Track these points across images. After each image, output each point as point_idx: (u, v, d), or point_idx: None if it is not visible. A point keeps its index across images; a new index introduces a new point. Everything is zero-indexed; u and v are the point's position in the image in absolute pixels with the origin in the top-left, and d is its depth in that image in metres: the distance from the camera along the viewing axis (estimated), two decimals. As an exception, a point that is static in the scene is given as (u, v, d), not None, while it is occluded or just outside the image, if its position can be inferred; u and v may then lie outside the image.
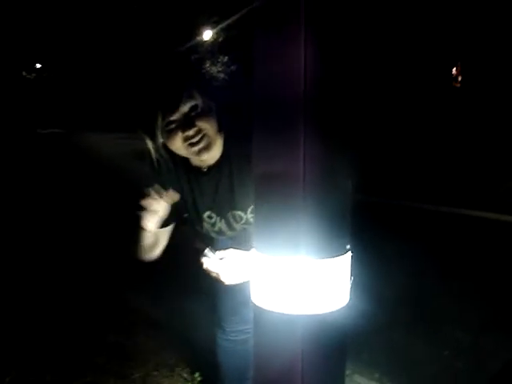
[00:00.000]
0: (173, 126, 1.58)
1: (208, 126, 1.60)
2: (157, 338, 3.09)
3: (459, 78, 18.35)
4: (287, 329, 0.98)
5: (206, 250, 1.67)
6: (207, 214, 1.82)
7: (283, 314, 0.97)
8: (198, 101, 1.58)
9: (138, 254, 1.81)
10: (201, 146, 1.60)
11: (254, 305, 1.03)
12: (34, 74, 21.28)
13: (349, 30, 0.97)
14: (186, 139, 1.58)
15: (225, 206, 1.79)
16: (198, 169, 1.76)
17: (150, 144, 1.64)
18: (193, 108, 1.58)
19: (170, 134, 1.59)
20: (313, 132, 0.93)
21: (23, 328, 3.16)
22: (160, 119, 1.57)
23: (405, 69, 16.16)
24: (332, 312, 0.98)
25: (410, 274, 3.94)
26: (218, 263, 1.67)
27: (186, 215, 1.86)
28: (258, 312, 1.03)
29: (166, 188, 1.75)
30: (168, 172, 1.75)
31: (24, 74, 19.65)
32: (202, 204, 1.81)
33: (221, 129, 1.68)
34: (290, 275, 0.96)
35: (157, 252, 1.83)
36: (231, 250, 1.69)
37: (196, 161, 1.74)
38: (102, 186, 7.73)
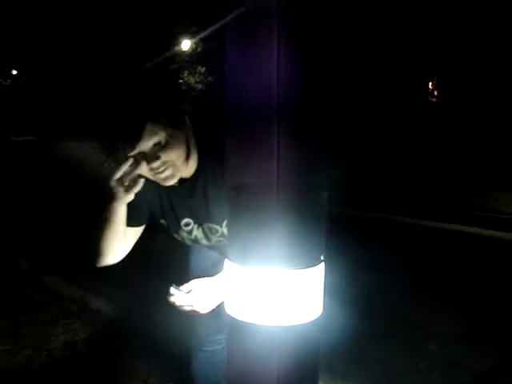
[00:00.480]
0: (139, 155, 1.54)
1: (174, 157, 1.57)
2: (130, 347, 3.06)
3: (435, 93, 18.59)
4: (261, 340, 0.97)
5: (171, 289, 1.62)
6: (185, 221, 1.81)
7: (257, 324, 0.97)
8: (161, 136, 1.53)
9: (99, 253, 1.71)
10: (166, 174, 1.58)
11: (228, 315, 1.02)
12: (9, 81, 21.07)
13: (323, 37, 0.97)
14: (151, 169, 1.56)
15: (202, 217, 1.79)
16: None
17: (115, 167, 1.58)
18: (156, 143, 1.54)
19: (134, 163, 1.55)
20: (287, 143, 0.93)
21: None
22: (122, 150, 1.52)
23: (381, 83, 16.32)
24: (306, 323, 0.97)
25: (384, 285, 3.97)
26: (187, 297, 1.63)
27: (162, 221, 1.85)
28: (232, 323, 1.02)
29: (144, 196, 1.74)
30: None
31: (3, 80, 19.44)
32: (179, 211, 1.80)
33: (193, 150, 1.65)
34: (263, 286, 0.96)
35: (119, 256, 1.75)
36: (195, 280, 1.66)
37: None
38: (74, 191, 7.68)
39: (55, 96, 19.67)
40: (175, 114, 1.61)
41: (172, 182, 1.62)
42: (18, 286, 3.84)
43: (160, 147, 1.55)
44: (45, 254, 4.57)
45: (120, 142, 1.52)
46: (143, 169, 1.56)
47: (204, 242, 1.85)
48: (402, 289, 4.02)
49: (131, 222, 1.74)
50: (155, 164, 1.55)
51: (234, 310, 1.01)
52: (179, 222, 1.82)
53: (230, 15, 0.96)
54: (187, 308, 1.64)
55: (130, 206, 1.70)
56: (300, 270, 0.95)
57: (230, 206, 1.02)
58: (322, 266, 0.99)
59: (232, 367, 1.07)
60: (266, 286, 0.95)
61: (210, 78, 20.07)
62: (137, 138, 1.51)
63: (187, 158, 1.63)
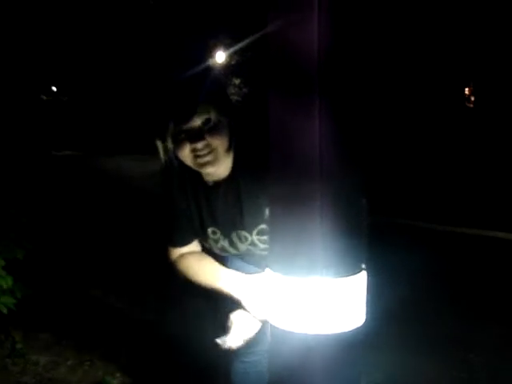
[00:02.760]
0: (182, 135, 1.58)
1: (218, 142, 1.60)
2: (170, 358, 3.08)
3: (472, 99, 18.33)
4: (304, 348, 0.98)
5: (218, 341, 1.67)
6: (211, 229, 1.82)
7: (299, 333, 0.97)
8: (211, 115, 1.58)
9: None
10: (206, 159, 1.60)
11: (270, 325, 1.03)
12: (49, 97, 21.56)
13: (365, 40, 0.98)
14: (193, 150, 1.59)
15: (229, 225, 1.78)
16: (206, 184, 1.76)
17: (160, 146, 1.65)
18: (205, 122, 1.57)
19: (178, 142, 1.59)
20: (329, 152, 0.94)
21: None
22: (172, 126, 1.56)
23: (418, 90, 16.18)
24: (349, 331, 0.98)
25: (418, 293, 3.92)
26: (238, 337, 1.68)
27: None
28: (274, 332, 1.03)
29: (175, 199, 1.77)
30: (177, 182, 1.77)
31: (44, 96, 19.92)
32: (206, 219, 1.80)
33: (232, 147, 1.67)
34: (306, 295, 0.96)
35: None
36: (234, 316, 1.70)
37: (205, 175, 1.74)
38: (118, 206, 7.81)
39: (96, 111, 20.06)
40: (225, 100, 1.66)
41: (210, 169, 1.64)
42: (60, 297, 3.91)
43: (207, 128, 1.58)
44: (86, 265, 4.66)
45: (173, 116, 1.56)
46: (185, 151, 1.59)
47: (231, 251, 1.84)
48: (439, 297, 3.96)
49: (188, 241, 1.83)
50: (199, 144, 1.57)
51: (276, 319, 1.01)
52: (206, 231, 1.83)
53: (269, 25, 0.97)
54: (241, 344, 1.69)
55: (178, 228, 1.81)
56: (342, 279, 0.96)
57: (272, 215, 1.03)
58: (363, 274, 1.00)
59: (274, 376, 1.08)
60: (308, 295, 0.96)
61: (244, 90, 20.16)
62: (192, 111, 1.55)
63: (227, 151, 1.65)
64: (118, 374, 2.88)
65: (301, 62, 0.93)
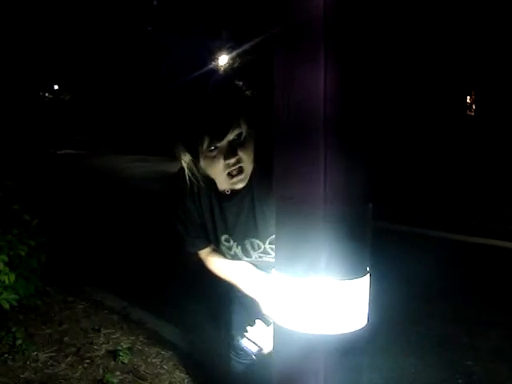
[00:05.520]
0: (215, 152, 1.58)
1: (246, 157, 1.61)
2: (170, 358, 3.10)
3: (473, 107, 18.35)
4: (307, 347, 1.00)
5: (245, 346, 1.77)
6: (225, 237, 1.84)
7: (303, 333, 1.00)
8: (243, 129, 1.58)
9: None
10: (240, 177, 1.63)
11: (275, 324, 1.06)
12: (51, 96, 21.55)
13: (368, 51, 1.00)
14: (227, 166, 1.60)
15: (243, 233, 1.80)
16: (221, 192, 1.77)
17: (186, 161, 1.66)
18: (238, 136, 1.58)
19: (211, 159, 1.60)
20: (333, 155, 0.96)
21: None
22: (206, 143, 1.56)
23: (420, 98, 16.20)
24: (351, 332, 1.00)
25: (419, 298, 3.94)
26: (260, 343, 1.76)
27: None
28: (279, 331, 1.05)
29: (187, 207, 1.80)
30: (191, 191, 1.77)
31: (46, 94, 19.90)
32: (220, 227, 1.82)
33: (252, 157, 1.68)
34: (310, 296, 0.99)
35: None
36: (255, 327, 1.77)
37: (220, 185, 1.74)
38: (119, 206, 7.83)
39: (97, 110, 20.06)
40: (253, 112, 1.66)
41: (240, 185, 1.67)
42: (60, 295, 3.93)
43: (238, 142, 1.59)
44: (87, 265, 4.68)
45: (208, 132, 1.56)
46: (219, 167, 1.61)
47: (243, 257, 1.86)
48: (440, 303, 3.98)
49: (206, 245, 1.88)
50: (233, 160, 1.59)
51: (280, 319, 1.04)
52: (219, 238, 1.85)
53: (276, 28, 0.99)
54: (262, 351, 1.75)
55: (193, 235, 1.84)
56: (346, 281, 0.98)
57: (278, 217, 1.05)
58: (367, 278, 1.02)
59: (278, 374, 1.10)
60: (312, 296, 0.98)
61: (247, 92, 20.19)
62: (227, 128, 1.56)
63: (252, 162, 1.66)
64: (117, 373, 2.90)
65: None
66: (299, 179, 1.00)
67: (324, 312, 0.99)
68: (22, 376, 2.85)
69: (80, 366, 2.97)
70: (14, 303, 3.13)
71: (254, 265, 1.89)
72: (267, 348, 1.75)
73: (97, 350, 3.16)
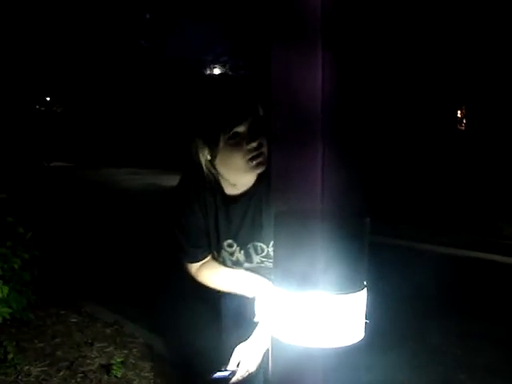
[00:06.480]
0: (237, 138, 1.60)
1: (265, 141, 1.63)
2: (163, 372, 3.09)
3: (464, 121, 18.48)
4: (304, 361, 1.01)
5: (216, 376, 1.71)
6: (228, 242, 1.84)
7: (301, 346, 1.01)
8: (261, 112, 1.61)
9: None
10: (260, 160, 1.63)
11: (273, 337, 1.06)
12: (43, 108, 21.51)
13: (365, 53, 1.01)
14: (249, 151, 1.61)
15: (247, 237, 1.81)
16: (226, 196, 1.78)
17: (203, 160, 1.67)
18: (257, 120, 1.61)
19: (231, 148, 1.61)
20: (331, 168, 0.97)
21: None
22: (227, 129, 1.58)
23: (411, 112, 16.30)
24: (348, 346, 1.01)
25: (411, 311, 3.95)
26: (240, 371, 1.72)
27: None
28: (276, 344, 1.06)
29: (194, 211, 1.80)
30: (196, 196, 1.78)
31: (37, 107, 19.86)
32: (224, 231, 1.82)
33: None
34: (307, 310, 1.00)
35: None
36: (237, 351, 1.73)
37: (228, 187, 1.76)
38: (114, 217, 7.81)
39: (91, 123, 20.04)
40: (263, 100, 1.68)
41: (261, 169, 1.65)
42: (53, 309, 3.91)
43: (258, 126, 1.60)
44: (79, 278, 4.66)
45: (227, 119, 1.58)
46: (239, 154, 1.61)
47: (246, 264, 1.87)
48: (434, 316, 3.99)
49: (205, 255, 1.87)
50: (255, 143, 1.60)
51: (277, 332, 1.05)
52: (221, 244, 1.85)
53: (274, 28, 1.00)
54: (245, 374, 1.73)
55: (195, 245, 1.84)
56: (343, 295, 0.99)
57: (275, 230, 1.06)
58: (364, 292, 1.03)
59: (274, 387, 1.11)
60: (308, 310, 1.00)
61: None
62: (246, 112, 1.59)
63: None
64: (110, 387, 2.89)
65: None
66: (296, 193, 1.01)
67: (320, 326, 1.00)
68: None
69: (73, 381, 2.95)
70: (7, 316, 3.11)
71: (254, 272, 1.88)
72: (252, 366, 1.74)
73: (90, 364, 3.15)
